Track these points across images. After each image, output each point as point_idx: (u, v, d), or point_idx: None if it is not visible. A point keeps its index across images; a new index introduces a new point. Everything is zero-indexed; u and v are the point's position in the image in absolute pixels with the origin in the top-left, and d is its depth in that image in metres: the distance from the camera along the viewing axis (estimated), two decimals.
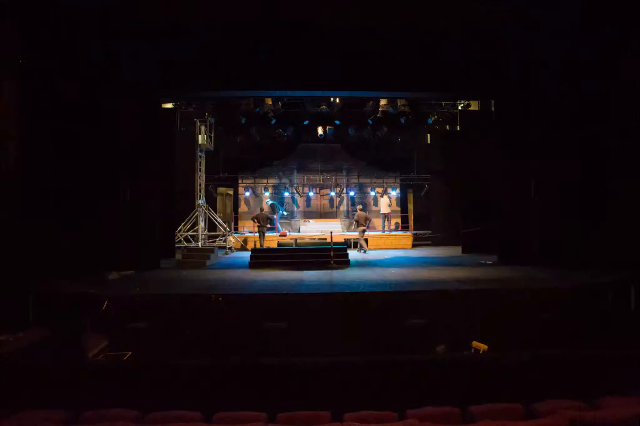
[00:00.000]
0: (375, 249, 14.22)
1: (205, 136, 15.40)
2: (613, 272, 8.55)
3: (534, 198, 10.09)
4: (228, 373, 4.05)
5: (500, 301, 7.30)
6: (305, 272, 9.53)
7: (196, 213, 14.03)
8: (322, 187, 17.59)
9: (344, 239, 14.43)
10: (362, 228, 12.84)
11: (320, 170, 17.56)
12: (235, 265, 10.85)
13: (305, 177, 17.50)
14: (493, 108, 11.59)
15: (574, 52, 9.49)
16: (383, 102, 13.50)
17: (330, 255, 10.25)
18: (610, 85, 8.95)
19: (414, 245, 14.91)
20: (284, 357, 6.55)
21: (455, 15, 9.66)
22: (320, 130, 17.13)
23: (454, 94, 12.15)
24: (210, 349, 6.96)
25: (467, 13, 9.61)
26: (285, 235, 14.25)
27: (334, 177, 17.53)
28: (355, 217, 13.05)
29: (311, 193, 17.42)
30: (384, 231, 15.59)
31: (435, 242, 15.00)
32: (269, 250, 12.33)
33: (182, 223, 13.72)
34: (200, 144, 15.19)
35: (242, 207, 17.32)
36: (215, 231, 15.05)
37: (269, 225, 13.44)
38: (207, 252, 11.44)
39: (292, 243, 12.24)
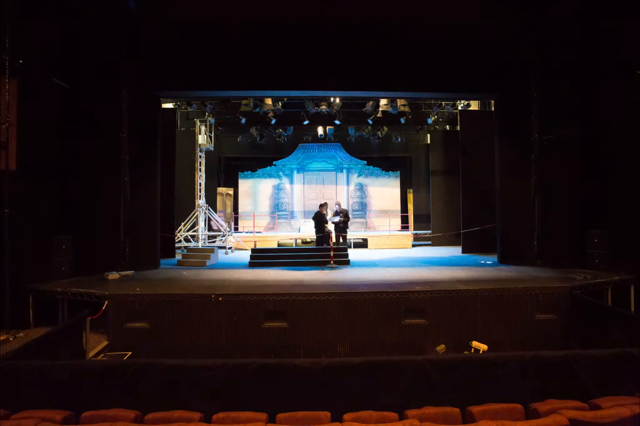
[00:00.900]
0: (375, 249, 14.22)
1: (205, 136, 15.42)
2: (613, 272, 8.56)
3: (534, 198, 10.09)
4: (228, 373, 4.04)
5: (500, 301, 7.30)
6: (305, 271, 9.53)
7: (196, 213, 14.03)
8: (322, 187, 17.60)
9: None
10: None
11: (320, 170, 17.57)
12: (235, 265, 10.84)
13: (305, 177, 17.51)
14: (493, 108, 11.59)
15: (574, 51, 9.50)
16: (383, 102, 13.50)
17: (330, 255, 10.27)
18: (610, 84, 8.95)
19: (413, 245, 14.91)
20: (284, 357, 6.57)
21: (456, 14, 9.68)
22: (320, 130, 17.15)
23: (454, 94, 12.13)
24: (210, 349, 6.97)
25: (467, 12, 9.64)
26: None
27: (334, 177, 17.54)
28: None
29: (311, 194, 17.42)
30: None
31: (435, 242, 14.99)
32: (269, 250, 12.32)
33: (182, 223, 13.72)
34: (200, 144, 15.21)
35: (242, 207, 17.33)
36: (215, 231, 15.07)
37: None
38: (207, 251, 11.44)
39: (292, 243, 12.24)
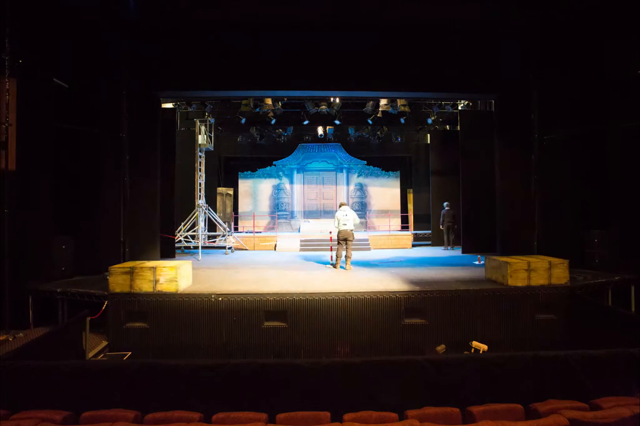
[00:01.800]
0: (375, 249, 14.21)
1: (205, 136, 15.43)
2: (613, 272, 8.56)
3: (534, 198, 10.09)
4: (228, 373, 4.04)
5: (500, 301, 7.30)
6: (305, 271, 9.53)
7: (196, 213, 14.03)
8: (322, 187, 17.61)
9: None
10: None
11: (320, 170, 17.58)
12: (236, 265, 10.84)
13: (305, 177, 17.52)
14: (493, 108, 11.60)
15: (575, 51, 9.51)
16: (383, 102, 13.50)
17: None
18: (611, 84, 8.96)
19: (413, 245, 14.90)
20: (284, 357, 6.58)
21: (456, 15, 9.69)
22: (320, 130, 17.16)
23: (454, 94, 12.14)
24: (210, 349, 6.97)
25: (467, 13, 9.65)
26: None
27: (334, 177, 17.54)
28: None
29: (311, 193, 17.43)
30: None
31: (435, 242, 14.99)
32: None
33: (182, 223, 13.72)
34: (200, 144, 15.21)
35: (242, 207, 17.33)
36: (215, 231, 15.07)
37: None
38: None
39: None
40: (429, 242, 15.50)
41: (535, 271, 7.50)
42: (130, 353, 6.87)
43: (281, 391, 4.00)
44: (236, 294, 7.20)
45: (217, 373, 4.03)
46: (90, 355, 6.66)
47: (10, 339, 6.89)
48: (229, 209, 17.92)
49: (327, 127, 16.73)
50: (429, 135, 16.79)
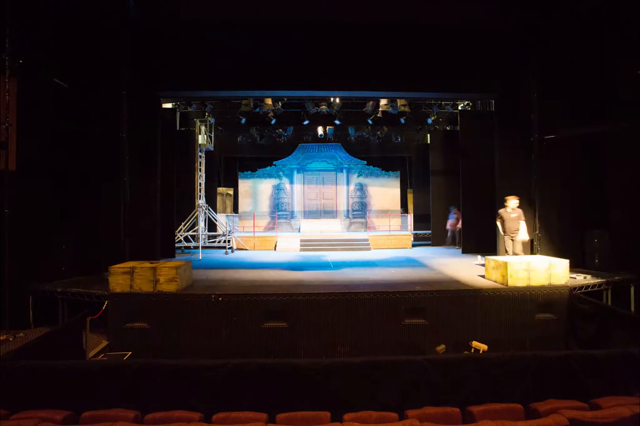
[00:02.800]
0: (375, 249, 14.21)
1: (205, 136, 15.42)
2: (613, 272, 8.56)
3: (534, 198, 10.08)
4: (228, 373, 4.04)
5: (500, 301, 7.30)
6: (305, 271, 9.54)
7: (196, 213, 14.03)
8: (322, 187, 17.62)
9: None
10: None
11: (320, 170, 17.58)
12: (236, 265, 10.85)
13: (305, 177, 17.52)
14: (493, 108, 11.60)
15: (574, 51, 9.51)
16: (383, 102, 13.50)
17: None
18: (610, 84, 8.96)
19: (413, 245, 14.89)
20: (284, 357, 6.58)
21: (456, 15, 9.69)
22: (320, 130, 17.16)
23: (454, 94, 12.15)
24: (210, 349, 6.97)
25: (467, 13, 9.65)
26: None
27: (334, 177, 17.54)
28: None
29: (311, 194, 17.44)
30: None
31: (435, 242, 14.98)
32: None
33: (182, 223, 13.72)
34: (200, 144, 15.21)
35: (242, 207, 17.33)
36: (215, 231, 15.07)
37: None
38: None
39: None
40: (429, 242, 15.49)
41: (535, 271, 7.49)
42: (130, 353, 6.87)
43: (281, 391, 4.00)
44: (236, 294, 7.20)
45: (217, 373, 4.03)
46: (90, 355, 6.66)
47: (11, 339, 6.89)
48: (229, 209, 17.93)
49: (327, 127, 16.72)
50: (429, 135, 16.78)
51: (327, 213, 17.44)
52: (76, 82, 9.04)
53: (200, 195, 15.09)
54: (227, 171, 18.57)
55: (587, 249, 9.37)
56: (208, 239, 14.77)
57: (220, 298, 7.08)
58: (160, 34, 9.89)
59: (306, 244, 14.09)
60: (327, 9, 9.43)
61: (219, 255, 13.06)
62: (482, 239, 11.92)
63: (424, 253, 13.24)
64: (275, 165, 17.53)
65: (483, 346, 6.91)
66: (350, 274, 9.17)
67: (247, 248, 14.33)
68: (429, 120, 15.65)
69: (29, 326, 7.55)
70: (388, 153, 18.66)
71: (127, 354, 6.83)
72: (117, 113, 9.48)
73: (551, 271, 7.53)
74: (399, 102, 13.42)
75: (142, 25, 9.66)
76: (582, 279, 8.02)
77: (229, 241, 13.86)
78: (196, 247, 12.91)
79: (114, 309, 7.12)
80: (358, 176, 17.61)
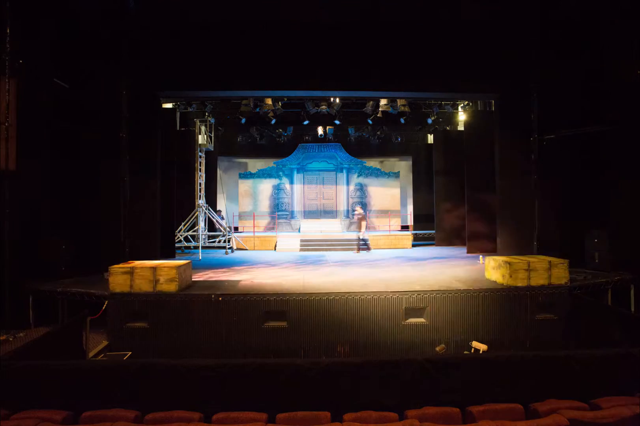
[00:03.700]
0: (375, 249, 14.21)
1: (205, 136, 15.42)
2: (613, 272, 8.56)
3: (534, 198, 10.09)
4: (228, 373, 4.04)
5: (500, 301, 7.30)
6: (305, 271, 9.54)
7: (196, 213, 14.03)
8: (322, 187, 17.62)
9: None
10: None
11: (320, 170, 17.57)
12: (236, 265, 10.85)
13: (305, 177, 17.52)
14: (494, 108, 11.60)
15: (574, 51, 9.51)
16: (383, 102, 13.49)
17: None
18: (611, 84, 8.96)
19: (413, 245, 14.89)
20: (284, 357, 6.58)
21: (456, 15, 9.70)
22: (320, 130, 17.15)
23: (454, 94, 12.15)
24: (210, 349, 6.97)
25: (467, 13, 9.66)
26: None
27: (333, 177, 17.54)
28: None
29: (311, 194, 17.43)
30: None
31: (439, 242, 14.98)
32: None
33: (182, 223, 13.72)
34: (200, 144, 15.20)
35: (242, 207, 17.32)
36: (215, 231, 15.06)
37: None
38: None
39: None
40: (430, 242, 15.49)
41: (535, 271, 7.49)
42: (130, 353, 6.87)
43: (281, 391, 4.00)
44: (236, 294, 7.20)
45: (217, 373, 4.03)
46: (90, 355, 6.65)
47: (11, 339, 6.89)
48: (229, 209, 17.91)
49: (327, 127, 16.71)
50: (432, 135, 16.76)
51: (327, 213, 17.43)
52: (76, 82, 9.03)
53: (200, 195, 15.08)
54: (227, 171, 18.56)
55: (587, 249, 9.37)
56: (208, 239, 14.77)
57: (220, 298, 7.08)
58: (160, 34, 9.88)
59: (306, 244, 14.09)
60: (326, 9, 9.44)
61: (219, 255, 13.06)
62: (487, 239, 11.92)
63: (425, 253, 13.24)
64: (275, 165, 17.52)
65: (483, 347, 6.91)
66: (351, 274, 9.17)
67: (247, 248, 14.33)
68: (429, 120, 15.64)
69: (29, 326, 7.55)
70: (388, 154, 18.65)
71: (127, 354, 6.83)
72: (117, 113, 9.48)
73: (551, 271, 7.53)
74: (399, 102, 13.41)
75: (142, 25, 9.66)
76: (582, 279, 8.02)
77: (229, 241, 13.86)
78: (196, 247, 12.91)
79: (114, 309, 7.11)
80: (358, 176, 17.60)
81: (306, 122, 15.15)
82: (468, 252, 12.36)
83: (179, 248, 13.33)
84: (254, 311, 7.06)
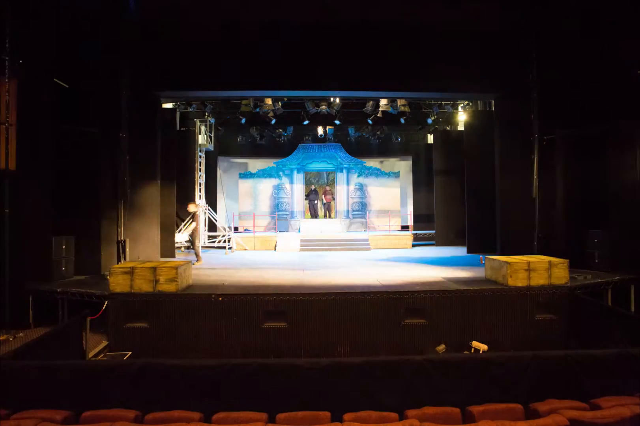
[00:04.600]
0: (375, 249, 14.22)
1: (205, 136, 15.42)
2: (613, 272, 8.56)
3: (534, 197, 10.09)
4: (228, 373, 4.04)
5: (500, 301, 7.30)
6: (305, 271, 9.54)
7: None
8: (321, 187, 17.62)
9: None
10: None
11: (320, 170, 17.57)
12: (236, 265, 10.85)
13: (305, 177, 17.51)
14: (494, 108, 11.60)
15: (575, 51, 9.52)
16: (383, 102, 13.49)
17: None
18: (611, 84, 8.95)
19: (413, 245, 14.89)
20: (284, 357, 6.58)
21: (456, 15, 9.70)
22: (320, 130, 17.15)
23: (454, 94, 12.16)
24: (210, 349, 6.97)
25: (467, 13, 9.66)
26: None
27: (334, 177, 17.54)
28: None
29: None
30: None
31: (439, 242, 14.98)
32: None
33: (182, 224, 13.72)
34: (200, 144, 15.20)
35: (242, 207, 17.32)
36: (215, 231, 15.06)
37: None
38: None
39: None
40: (433, 242, 15.48)
41: (535, 271, 7.49)
42: (130, 353, 6.87)
43: (281, 391, 4.00)
44: (236, 294, 7.20)
45: (217, 373, 4.03)
46: (90, 355, 6.65)
47: (11, 339, 6.89)
48: (228, 209, 17.90)
49: (327, 127, 16.71)
50: (432, 135, 16.75)
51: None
52: (76, 82, 9.03)
53: (200, 195, 15.08)
54: (227, 171, 18.55)
55: (587, 249, 9.37)
56: (208, 239, 14.77)
57: (220, 298, 7.08)
58: (160, 34, 9.89)
59: (306, 244, 14.09)
60: (327, 10, 9.44)
61: (219, 255, 13.06)
62: (486, 239, 11.92)
63: (426, 253, 13.24)
64: (275, 165, 17.52)
65: (483, 347, 6.91)
66: (351, 274, 9.17)
67: (247, 248, 14.33)
68: (429, 120, 15.64)
69: (29, 327, 7.55)
70: (388, 154, 18.64)
71: (127, 354, 6.83)
72: (117, 113, 9.48)
73: (551, 271, 7.52)
74: (399, 102, 13.41)
75: (142, 25, 9.66)
76: (582, 279, 8.02)
77: (229, 241, 13.86)
78: None
79: (114, 309, 7.11)
80: (358, 176, 17.60)
81: (306, 122, 15.14)
82: (468, 252, 12.36)
83: (179, 248, 13.33)
84: (254, 311, 7.06)
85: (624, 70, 8.57)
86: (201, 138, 15.27)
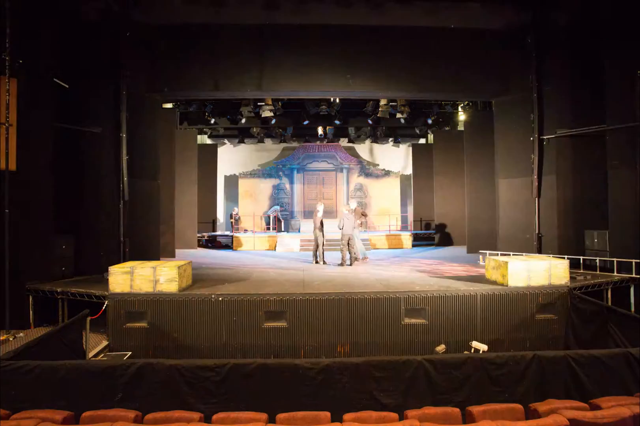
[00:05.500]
0: (375, 249, 14.21)
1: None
2: (613, 272, 8.55)
3: (534, 197, 10.08)
4: (228, 373, 4.04)
5: (499, 301, 7.30)
6: (306, 271, 9.54)
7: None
8: (322, 187, 17.62)
9: None
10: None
11: (320, 170, 17.57)
12: (236, 265, 10.84)
13: (305, 177, 17.51)
14: (494, 108, 11.60)
15: (574, 51, 9.53)
16: (383, 102, 13.49)
17: None
18: (611, 84, 8.95)
19: (413, 245, 14.88)
20: (284, 357, 6.58)
21: (456, 15, 9.71)
22: (320, 130, 17.15)
23: (454, 95, 12.15)
24: (210, 349, 6.98)
25: (467, 13, 9.67)
26: None
27: (334, 177, 17.54)
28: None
29: (311, 194, 17.43)
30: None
31: (439, 242, 14.98)
32: None
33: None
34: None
35: (242, 207, 17.32)
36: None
37: None
38: None
39: None
40: (430, 242, 15.48)
41: (535, 271, 7.49)
42: (130, 353, 6.87)
43: (281, 391, 4.00)
44: (236, 294, 7.20)
45: (217, 373, 4.03)
46: (90, 355, 6.65)
47: (11, 339, 6.89)
48: (229, 209, 17.90)
49: (327, 127, 16.71)
50: (432, 135, 16.77)
51: (328, 213, 17.40)
52: (76, 82, 9.03)
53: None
54: (227, 171, 18.56)
55: (587, 249, 9.36)
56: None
57: (220, 298, 7.08)
58: (160, 34, 9.90)
59: (306, 244, 14.07)
60: (326, 11, 9.46)
61: (219, 254, 13.05)
62: (487, 238, 11.92)
63: (424, 253, 13.24)
64: (275, 165, 17.52)
65: (483, 347, 6.90)
66: (351, 274, 9.16)
67: (247, 248, 14.32)
68: (429, 120, 15.64)
69: (29, 327, 7.54)
70: (388, 153, 18.64)
71: (127, 354, 6.83)
72: (117, 113, 9.48)
73: (551, 271, 7.52)
74: (399, 102, 13.41)
75: (142, 26, 9.67)
76: (582, 279, 8.02)
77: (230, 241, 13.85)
78: None
79: (114, 309, 7.11)
80: (358, 176, 17.60)
81: (306, 122, 15.14)
82: (468, 252, 12.36)
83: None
84: (253, 311, 7.06)
85: (624, 70, 8.56)
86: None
